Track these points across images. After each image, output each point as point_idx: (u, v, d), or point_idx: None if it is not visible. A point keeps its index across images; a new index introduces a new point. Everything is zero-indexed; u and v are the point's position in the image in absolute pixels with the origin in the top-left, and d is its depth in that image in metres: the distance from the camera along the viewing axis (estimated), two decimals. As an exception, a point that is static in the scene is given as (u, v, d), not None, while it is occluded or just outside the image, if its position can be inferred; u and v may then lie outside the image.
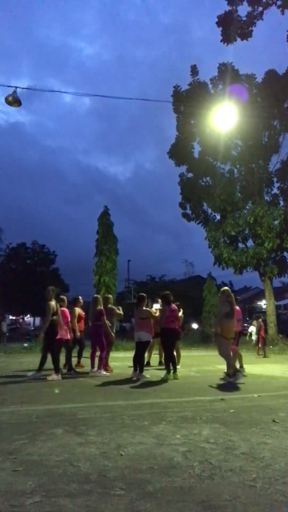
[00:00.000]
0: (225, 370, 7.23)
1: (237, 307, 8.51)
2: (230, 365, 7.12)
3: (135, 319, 7.89)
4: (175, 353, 7.93)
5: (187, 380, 7.17)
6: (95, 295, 9.11)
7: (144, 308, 7.77)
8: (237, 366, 7.55)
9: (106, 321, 8.06)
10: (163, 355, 8.10)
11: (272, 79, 20.01)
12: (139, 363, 7.43)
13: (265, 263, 20.16)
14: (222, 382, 6.87)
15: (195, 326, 30.49)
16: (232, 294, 7.50)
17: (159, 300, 9.00)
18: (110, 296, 9.55)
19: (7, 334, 24.35)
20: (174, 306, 7.73)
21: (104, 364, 8.09)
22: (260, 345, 14.65)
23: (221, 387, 6.38)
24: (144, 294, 8.12)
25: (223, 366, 7.39)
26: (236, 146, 21.75)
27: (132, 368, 7.51)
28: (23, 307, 39.67)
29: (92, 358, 8.05)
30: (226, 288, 7.75)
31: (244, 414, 4.41)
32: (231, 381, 6.84)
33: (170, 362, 7.42)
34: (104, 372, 7.87)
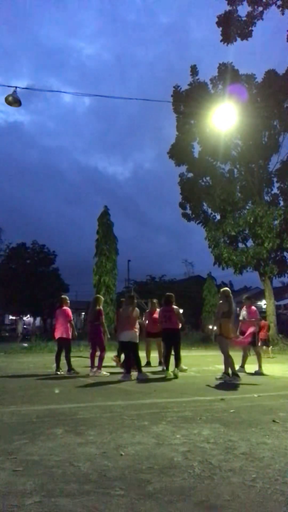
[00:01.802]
0: (224, 370, 7.24)
1: (254, 308, 8.67)
2: (229, 364, 7.14)
3: (124, 319, 7.59)
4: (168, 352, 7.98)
5: (187, 380, 7.17)
6: (96, 295, 9.14)
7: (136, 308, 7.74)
8: (236, 367, 7.59)
9: (103, 321, 8.13)
10: (163, 354, 8.15)
11: (272, 79, 20.00)
12: (133, 363, 7.43)
13: (265, 263, 20.15)
14: (220, 381, 6.88)
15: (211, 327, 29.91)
16: (231, 296, 7.58)
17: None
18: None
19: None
20: (172, 307, 7.88)
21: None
22: (264, 345, 14.75)
23: (221, 387, 6.39)
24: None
25: (222, 366, 7.40)
26: (236, 146, 21.74)
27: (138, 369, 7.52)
28: (23, 307, 39.64)
29: (92, 358, 8.05)
30: (226, 288, 7.84)
31: (244, 414, 4.41)
32: (231, 381, 6.85)
33: (168, 360, 7.63)
34: (104, 372, 7.86)
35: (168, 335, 7.87)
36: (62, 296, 8.72)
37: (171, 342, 7.84)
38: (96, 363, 7.94)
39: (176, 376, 7.36)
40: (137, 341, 7.48)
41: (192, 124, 21.85)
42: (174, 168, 22.82)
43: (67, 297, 8.48)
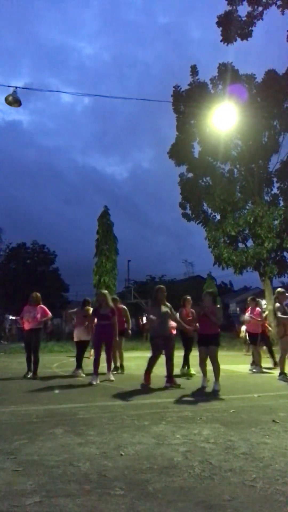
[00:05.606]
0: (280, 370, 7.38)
1: (258, 309, 8.82)
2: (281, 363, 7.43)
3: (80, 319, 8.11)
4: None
5: (188, 380, 7.17)
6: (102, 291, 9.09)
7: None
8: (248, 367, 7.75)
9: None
10: (184, 354, 8.50)
11: (272, 79, 19.99)
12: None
13: (265, 263, 20.15)
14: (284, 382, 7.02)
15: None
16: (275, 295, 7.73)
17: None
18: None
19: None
20: (187, 309, 8.26)
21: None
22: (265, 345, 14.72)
23: (221, 387, 6.38)
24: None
25: (224, 366, 7.44)
26: (236, 146, 21.72)
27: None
28: (23, 307, 39.66)
29: (108, 360, 7.85)
30: (278, 289, 7.79)
31: (244, 414, 4.41)
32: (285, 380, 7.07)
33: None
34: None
35: (186, 337, 8.47)
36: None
37: (186, 343, 8.51)
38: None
39: (189, 374, 7.93)
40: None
41: (192, 124, 21.84)
42: (174, 168, 22.82)
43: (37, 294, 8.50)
